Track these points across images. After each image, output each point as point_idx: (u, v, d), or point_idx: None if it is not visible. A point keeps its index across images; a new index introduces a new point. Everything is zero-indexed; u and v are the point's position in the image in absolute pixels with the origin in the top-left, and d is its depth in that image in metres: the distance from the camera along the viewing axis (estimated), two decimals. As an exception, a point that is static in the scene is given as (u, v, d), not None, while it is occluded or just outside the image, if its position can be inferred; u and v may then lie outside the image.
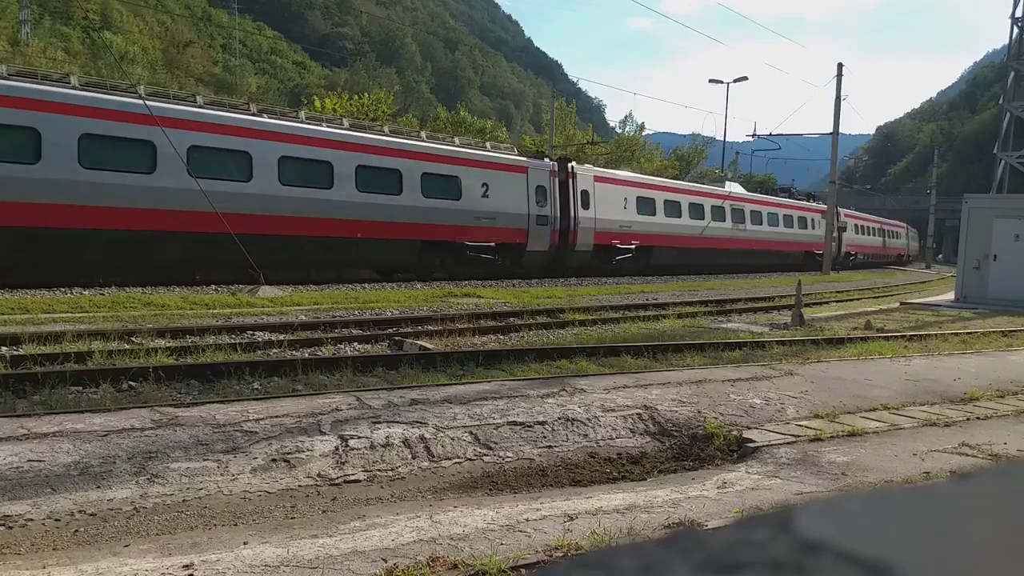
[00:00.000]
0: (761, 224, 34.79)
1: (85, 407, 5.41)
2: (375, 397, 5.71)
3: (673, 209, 29.14)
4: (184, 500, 3.93)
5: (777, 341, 10.42)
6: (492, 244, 21.89)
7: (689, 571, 0.39)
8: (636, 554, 0.41)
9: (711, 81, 47.19)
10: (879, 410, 6.47)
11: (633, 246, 26.75)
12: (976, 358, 9.68)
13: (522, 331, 11.50)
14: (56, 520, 3.61)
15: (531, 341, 10.72)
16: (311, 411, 5.16)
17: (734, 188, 36.07)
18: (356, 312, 12.60)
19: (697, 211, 30.50)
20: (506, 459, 4.91)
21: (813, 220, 40.09)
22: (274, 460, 4.38)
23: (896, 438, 5.65)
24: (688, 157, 62.71)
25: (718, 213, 31.79)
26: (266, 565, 3.17)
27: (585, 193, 24.95)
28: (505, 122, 75.29)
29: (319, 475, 4.36)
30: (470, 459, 4.83)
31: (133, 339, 8.89)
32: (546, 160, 25.16)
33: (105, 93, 15.23)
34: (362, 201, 18.52)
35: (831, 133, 36.14)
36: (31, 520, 3.57)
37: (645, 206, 27.71)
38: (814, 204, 42.75)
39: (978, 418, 6.37)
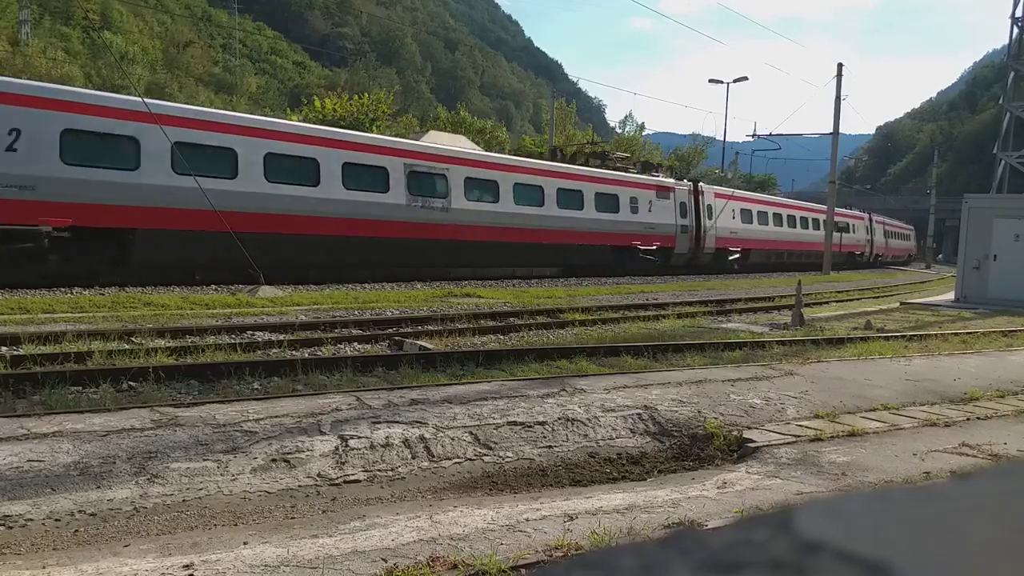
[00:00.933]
0: (496, 201, 21.67)
1: (85, 407, 5.40)
2: (375, 397, 5.71)
3: (211, 162, 15.88)
4: (184, 500, 3.93)
5: (777, 341, 10.42)
6: None
7: (689, 571, 0.39)
8: (636, 554, 0.41)
9: (711, 81, 47.21)
10: (879, 410, 6.47)
11: (49, 230, 13.73)
12: (976, 358, 9.67)
13: (522, 331, 11.50)
14: (56, 520, 3.61)
15: (531, 341, 10.72)
16: (311, 411, 5.16)
17: (442, 140, 23.18)
18: (356, 312, 12.60)
19: (295, 171, 17.07)
20: (506, 459, 4.91)
21: (637, 200, 26.70)
22: (274, 460, 4.38)
23: (896, 438, 5.64)
24: (688, 157, 62.72)
25: (364, 178, 18.56)
26: (266, 565, 3.17)
27: None
28: (505, 122, 75.30)
29: (319, 475, 4.36)
30: (470, 459, 4.82)
31: (133, 339, 8.89)
32: None
33: None
34: None
35: (831, 133, 36.13)
36: (31, 520, 3.57)
37: (91, 149, 14.46)
38: (639, 176, 28.16)
39: (978, 418, 6.37)
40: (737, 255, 32.48)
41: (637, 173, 28.71)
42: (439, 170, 20.39)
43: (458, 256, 20.86)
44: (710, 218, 30.37)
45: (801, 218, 39.70)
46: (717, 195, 31.72)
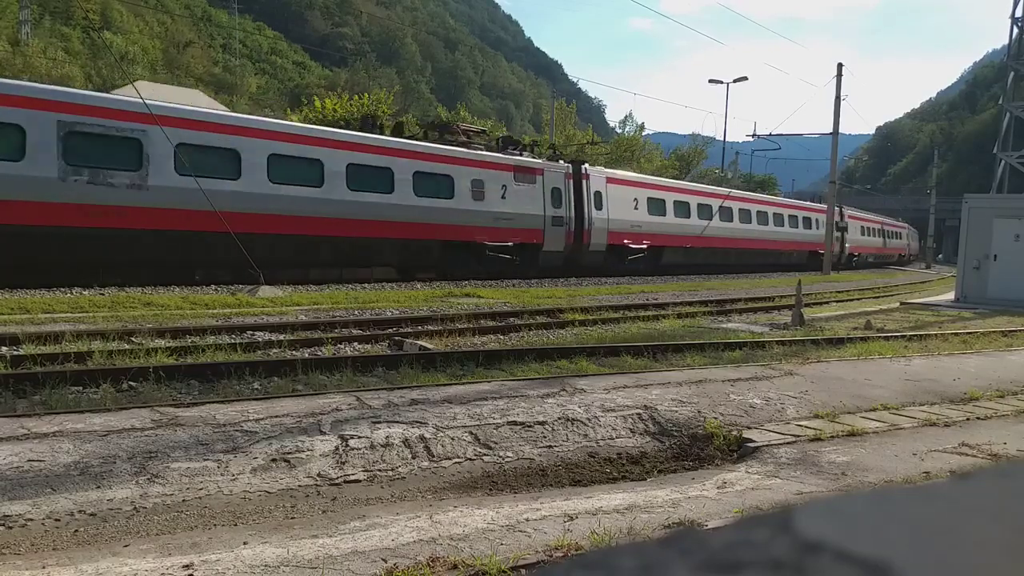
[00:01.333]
0: (237, 179, 16.07)
1: (85, 407, 5.40)
2: (375, 397, 5.71)
3: None
4: (184, 500, 3.93)
5: (777, 341, 10.42)
6: None
7: (689, 571, 0.39)
8: (636, 554, 0.41)
9: (711, 81, 47.19)
10: (879, 410, 6.47)
11: None
12: (976, 358, 9.67)
13: (522, 331, 11.50)
14: (56, 520, 3.61)
15: (531, 341, 10.72)
16: (311, 411, 5.16)
17: (160, 94, 17.57)
18: (356, 312, 12.60)
19: None
20: (506, 459, 4.91)
21: (483, 183, 20.82)
22: (274, 460, 4.38)
23: (896, 438, 5.64)
24: (688, 157, 62.72)
25: None
26: (266, 565, 3.17)
27: None
28: (505, 122, 75.33)
29: (319, 475, 4.36)
30: (470, 459, 4.82)
31: (133, 339, 8.89)
32: None
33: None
34: None
35: (831, 133, 36.12)
36: (31, 520, 3.57)
37: None
38: (488, 154, 21.97)
39: (978, 418, 6.37)
40: (641, 254, 26.37)
41: (485, 150, 22.19)
42: (127, 131, 14.59)
43: (167, 251, 15.11)
44: (599, 208, 24.49)
45: (742, 210, 32.93)
46: (612, 180, 25.49)
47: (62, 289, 13.39)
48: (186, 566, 3.13)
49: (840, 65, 35.57)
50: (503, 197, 21.31)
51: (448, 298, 15.35)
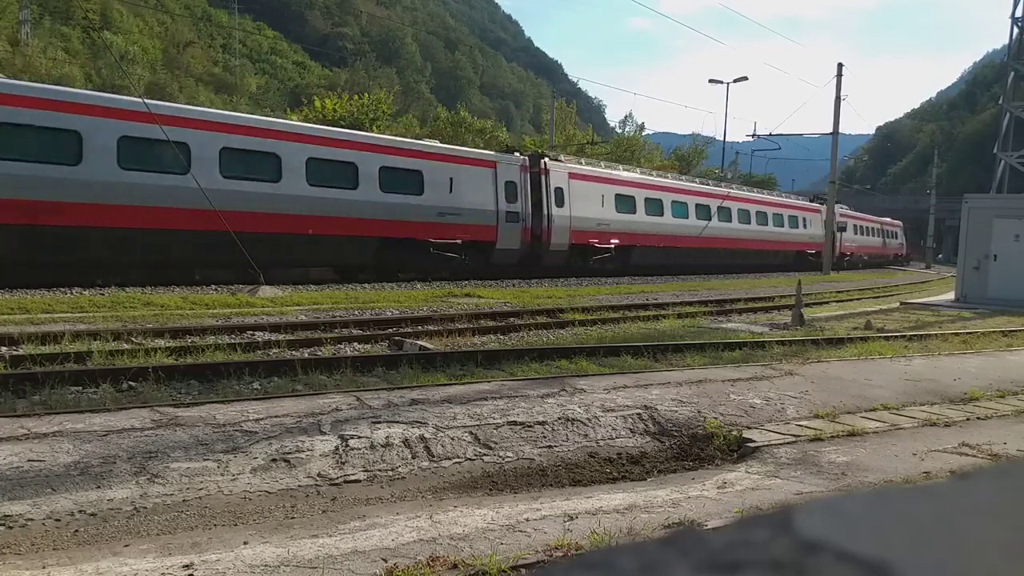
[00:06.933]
0: None
1: (85, 407, 5.40)
2: (375, 397, 5.71)
3: None
4: (184, 500, 3.93)
5: (777, 341, 10.42)
6: None
7: (689, 571, 0.39)
8: (636, 554, 0.41)
9: (711, 81, 47.14)
10: (879, 410, 6.47)
11: None
12: (976, 358, 9.67)
13: (522, 331, 11.50)
14: (56, 520, 3.61)
15: (531, 341, 10.72)
16: (311, 411, 5.16)
17: None
18: (356, 312, 12.59)
19: None
20: (506, 459, 4.91)
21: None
22: (274, 460, 4.38)
23: (896, 438, 5.64)
24: (688, 157, 62.72)
25: None
26: (266, 565, 3.17)
27: None
28: (505, 122, 75.28)
29: (319, 475, 4.36)
30: (470, 459, 4.82)
31: (133, 339, 8.89)
32: None
33: None
34: None
35: (831, 133, 36.11)
36: (31, 520, 3.57)
37: None
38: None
39: (978, 418, 6.37)
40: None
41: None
42: None
43: None
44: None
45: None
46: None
47: (62, 289, 13.38)
48: (186, 566, 3.13)
49: (840, 65, 35.57)
50: None
51: (448, 298, 15.35)
